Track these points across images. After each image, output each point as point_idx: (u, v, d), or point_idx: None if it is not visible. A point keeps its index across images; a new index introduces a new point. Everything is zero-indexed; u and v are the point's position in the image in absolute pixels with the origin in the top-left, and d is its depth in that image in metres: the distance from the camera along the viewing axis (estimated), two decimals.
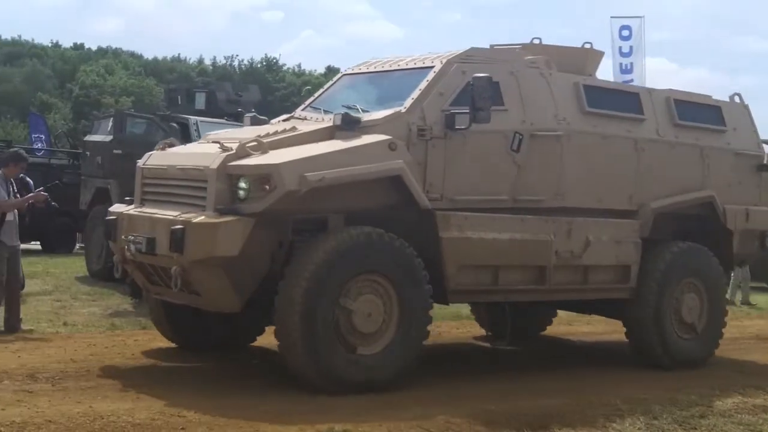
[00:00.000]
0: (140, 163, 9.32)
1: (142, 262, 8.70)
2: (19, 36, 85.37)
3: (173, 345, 9.92)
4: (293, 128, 8.91)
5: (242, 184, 8.06)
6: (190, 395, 7.83)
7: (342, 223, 8.51)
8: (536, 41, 10.50)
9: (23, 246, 11.46)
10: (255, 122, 9.79)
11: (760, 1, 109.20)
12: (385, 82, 9.90)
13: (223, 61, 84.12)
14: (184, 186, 8.55)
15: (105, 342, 10.22)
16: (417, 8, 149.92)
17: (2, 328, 10.78)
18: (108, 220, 9.22)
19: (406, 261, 8.42)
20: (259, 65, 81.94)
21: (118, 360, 9.37)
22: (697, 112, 11.05)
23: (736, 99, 11.70)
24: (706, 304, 10.78)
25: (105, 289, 14.62)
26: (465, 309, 13.05)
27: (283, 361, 8.26)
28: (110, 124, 18.22)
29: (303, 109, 10.13)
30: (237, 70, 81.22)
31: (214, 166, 8.15)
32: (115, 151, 16.47)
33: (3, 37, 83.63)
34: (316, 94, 10.42)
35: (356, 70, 10.42)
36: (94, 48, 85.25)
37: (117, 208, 9.36)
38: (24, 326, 10.90)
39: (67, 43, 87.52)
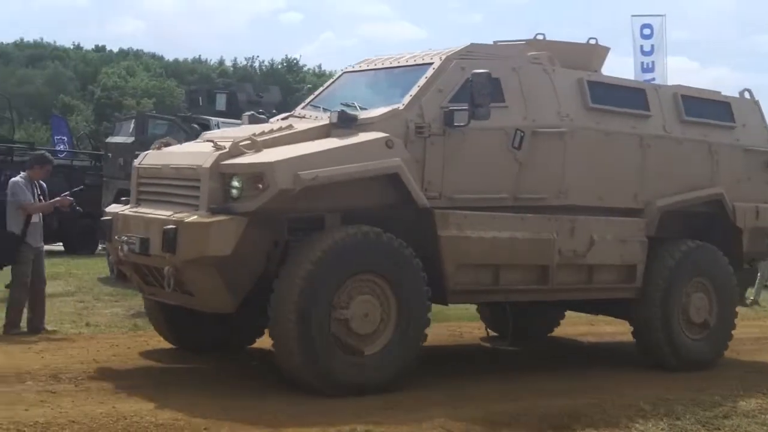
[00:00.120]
0: (136, 162, 9.25)
1: (137, 262, 8.61)
2: (41, 38, 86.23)
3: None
4: (289, 126, 8.81)
5: (235, 183, 7.95)
6: (213, 396, 7.82)
7: (339, 222, 8.38)
8: (540, 37, 10.33)
9: (46, 247, 11.53)
10: (253, 121, 9.66)
11: None
12: (385, 79, 9.76)
13: (244, 63, 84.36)
14: (178, 185, 8.46)
15: (127, 342, 10.20)
16: (436, 9, 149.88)
17: (26, 329, 10.80)
18: (103, 220, 9.15)
19: (403, 261, 8.28)
20: (279, 66, 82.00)
21: (140, 360, 9.35)
22: (705, 108, 10.84)
23: (746, 95, 11.48)
24: (715, 303, 10.56)
25: (127, 289, 14.50)
26: None
27: (277, 361, 8.15)
28: (132, 125, 18.29)
29: (303, 108, 10.03)
30: (258, 71, 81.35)
31: (207, 165, 8.04)
32: (136, 153, 16.43)
33: (25, 40, 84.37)
34: (316, 93, 10.31)
35: (356, 68, 10.29)
36: (115, 50, 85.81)
37: (112, 208, 9.29)
38: (47, 327, 10.94)
39: (88, 45, 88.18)
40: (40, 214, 11.01)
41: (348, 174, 8.10)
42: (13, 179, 11.07)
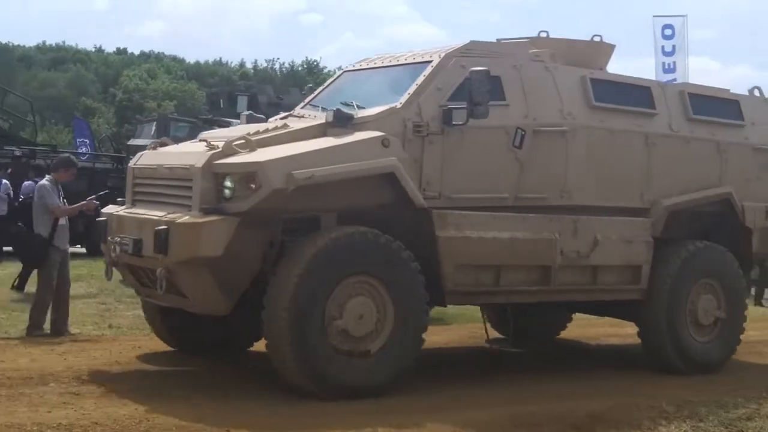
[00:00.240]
0: (131, 163, 9.17)
1: (131, 263, 8.52)
2: (63, 42, 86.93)
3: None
4: (284, 126, 8.69)
5: (228, 183, 7.84)
6: (234, 397, 7.81)
7: (334, 222, 8.25)
8: (543, 34, 10.16)
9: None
10: (251, 120, 9.57)
11: None
12: (385, 78, 9.62)
13: (265, 65, 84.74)
14: (171, 186, 8.37)
15: (149, 344, 10.13)
16: (456, 9, 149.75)
17: (48, 331, 10.81)
18: (98, 221, 9.07)
19: (400, 262, 8.14)
20: (300, 68, 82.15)
21: (163, 362, 9.31)
22: (713, 106, 10.64)
23: (756, 92, 11.27)
24: (724, 305, 10.35)
25: None
26: None
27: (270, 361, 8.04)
28: (153, 128, 18.38)
29: (302, 107, 9.91)
30: (278, 73, 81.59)
31: (199, 164, 7.94)
32: None
33: (47, 43, 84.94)
34: (317, 92, 10.20)
35: (357, 67, 10.17)
36: (136, 52, 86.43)
37: (109, 209, 9.20)
38: (70, 329, 10.96)
39: (110, 47, 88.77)
40: (67, 216, 11.05)
41: (343, 173, 7.97)
42: (41, 182, 11.13)
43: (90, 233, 20.34)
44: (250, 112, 9.91)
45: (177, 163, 8.37)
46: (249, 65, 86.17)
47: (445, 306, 9.28)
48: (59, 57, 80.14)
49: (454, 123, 8.53)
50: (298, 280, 7.65)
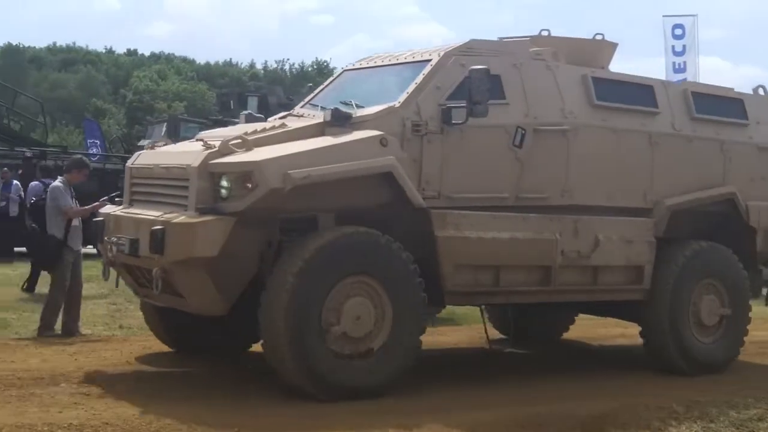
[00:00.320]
0: (129, 162, 9.13)
1: (128, 263, 8.48)
2: (74, 42, 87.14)
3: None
4: (282, 125, 8.64)
5: (224, 183, 7.78)
6: (247, 397, 7.78)
7: (332, 222, 8.19)
8: (545, 33, 10.09)
9: None
10: (250, 120, 9.50)
11: None
12: (384, 77, 9.58)
13: (275, 65, 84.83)
14: (168, 185, 8.32)
15: (160, 345, 10.07)
16: (467, 10, 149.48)
17: (59, 332, 10.82)
18: (95, 221, 9.04)
19: (398, 262, 8.07)
20: (310, 69, 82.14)
21: (174, 362, 9.29)
22: (717, 105, 10.55)
23: (761, 91, 11.16)
24: (728, 306, 10.25)
25: None
26: None
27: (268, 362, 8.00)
28: (164, 128, 18.39)
29: (302, 107, 9.86)
30: (288, 73, 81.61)
31: (196, 164, 7.89)
32: None
33: (58, 44, 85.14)
34: (316, 91, 10.14)
35: (357, 66, 10.11)
36: (146, 53, 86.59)
37: (106, 209, 9.17)
38: (81, 329, 10.99)
39: (120, 49, 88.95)
40: (80, 217, 11.09)
41: (340, 173, 7.91)
42: (53, 184, 11.15)
43: None
44: (249, 111, 9.86)
45: (173, 162, 8.32)
46: (259, 66, 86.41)
47: (444, 306, 9.21)
48: (70, 58, 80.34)
49: (453, 122, 8.47)
50: (295, 280, 7.59)
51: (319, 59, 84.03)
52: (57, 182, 11.11)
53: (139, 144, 19.87)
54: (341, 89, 9.79)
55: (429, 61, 8.95)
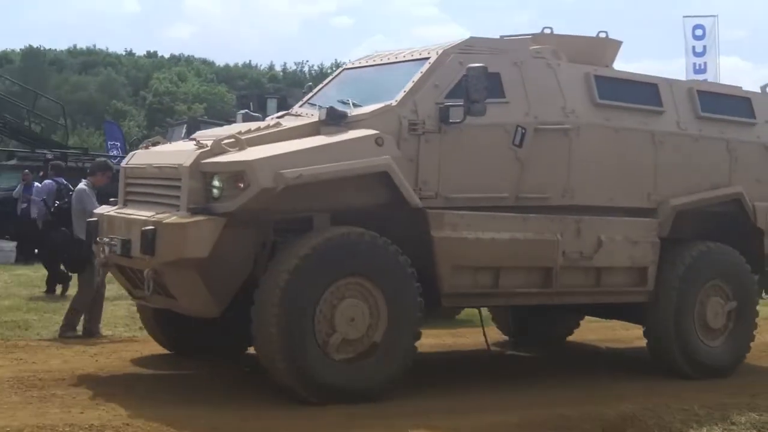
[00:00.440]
0: (123, 162, 9.06)
1: (120, 264, 8.40)
2: (94, 45, 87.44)
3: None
4: (277, 124, 8.53)
5: (216, 183, 7.69)
6: (268, 400, 7.72)
7: (328, 222, 8.07)
8: (547, 31, 9.94)
9: None
10: (247, 119, 9.42)
11: None
12: (383, 75, 9.44)
13: (294, 67, 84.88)
14: (160, 185, 8.24)
15: None
16: (486, 11, 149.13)
17: (80, 333, 10.86)
18: (89, 221, 8.97)
19: (394, 263, 7.94)
20: (329, 70, 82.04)
21: (194, 364, 9.23)
22: (723, 104, 10.38)
23: None
24: (734, 308, 10.06)
25: None
26: None
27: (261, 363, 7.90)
28: (183, 130, 18.31)
29: (300, 106, 9.75)
30: (307, 75, 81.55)
31: (187, 163, 7.79)
32: None
33: (78, 47, 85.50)
34: (315, 90, 10.03)
35: (356, 64, 10.00)
36: (166, 56, 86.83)
37: (101, 209, 9.10)
38: (102, 331, 11.05)
39: (140, 51, 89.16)
40: None
41: (334, 172, 7.79)
42: (79, 187, 11.18)
43: None
44: (246, 111, 9.77)
45: (166, 162, 8.23)
46: (278, 68, 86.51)
47: (441, 307, 9.08)
48: (90, 61, 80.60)
49: (451, 121, 8.34)
50: (287, 281, 7.47)
51: (338, 61, 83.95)
52: (82, 185, 11.13)
53: None
54: (340, 88, 9.67)
55: (427, 59, 8.83)
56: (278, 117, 9.44)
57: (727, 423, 7.62)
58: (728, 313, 10.02)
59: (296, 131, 8.29)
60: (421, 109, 8.39)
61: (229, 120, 18.45)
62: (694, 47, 28.06)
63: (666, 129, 9.80)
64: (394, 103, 8.39)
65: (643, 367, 10.22)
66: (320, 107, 8.91)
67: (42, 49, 79.40)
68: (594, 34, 10.23)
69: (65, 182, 14.10)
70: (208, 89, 72.01)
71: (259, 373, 7.95)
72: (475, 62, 8.35)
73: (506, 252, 8.65)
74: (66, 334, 10.68)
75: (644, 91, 9.86)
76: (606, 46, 10.24)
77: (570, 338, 12.18)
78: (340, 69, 10.35)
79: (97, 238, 8.61)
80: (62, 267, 13.53)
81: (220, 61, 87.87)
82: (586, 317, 11.89)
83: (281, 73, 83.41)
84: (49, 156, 21.60)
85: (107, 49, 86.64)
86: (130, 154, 9.14)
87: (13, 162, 24.44)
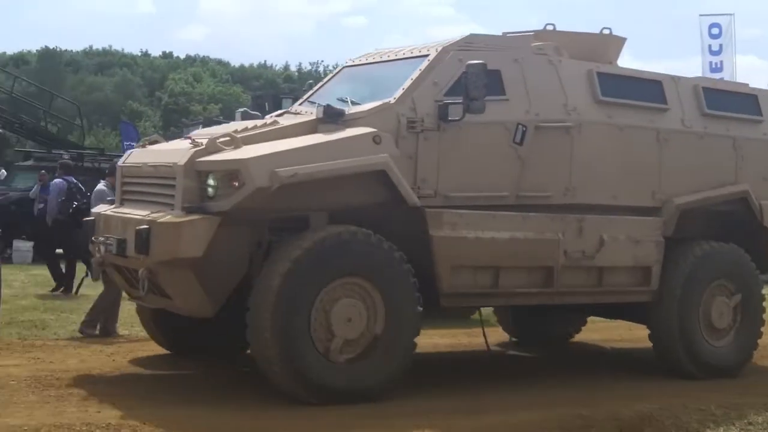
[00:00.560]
0: (120, 161, 9.01)
1: (116, 264, 8.35)
2: (110, 46, 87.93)
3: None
4: (273, 122, 8.45)
5: (210, 181, 7.61)
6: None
7: (325, 221, 7.98)
8: (550, 27, 9.84)
9: None
10: (246, 118, 9.34)
11: None
12: (383, 73, 9.36)
13: (309, 67, 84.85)
14: (156, 184, 8.17)
15: None
16: (502, 10, 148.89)
17: (97, 332, 10.90)
18: (86, 221, 8.93)
19: (392, 263, 7.85)
20: None
21: (210, 363, 9.20)
22: (729, 101, 10.24)
23: None
24: (740, 308, 9.93)
25: None
26: None
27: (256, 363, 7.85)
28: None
29: (300, 104, 9.68)
30: (322, 75, 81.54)
31: (182, 162, 7.72)
32: None
33: (94, 48, 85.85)
34: (315, 88, 9.96)
35: (356, 62, 9.92)
36: (182, 56, 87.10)
37: (98, 208, 9.06)
38: (118, 330, 11.08)
39: (156, 51, 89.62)
40: None
41: (330, 171, 7.70)
42: (98, 187, 11.26)
43: None
44: (245, 109, 9.69)
45: (161, 161, 8.17)
46: (293, 68, 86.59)
47: (441, 307, 8.98)
48: (106, 61, 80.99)
49: (450, 119, 8.24)
50: (282, 280, 7.40)
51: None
52: (101, 185, 11.19)
53: None
54: (339, 86, 9.61)
55: (427, 56, 8.74)
56: (276, 115, 9.35)
57: (744, 423, 7.59)
58: (733, 309, 9.89)
59: (293, 129, 8.21)
60: (419, 107, 8.29)
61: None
62: (710, 46, 28.03)
63: (670, 126, 9.67)
64: (392, 100, 8.30)
65: (645, 367, 10.13)
66: (318, 105, 8.87)
67: (58, 50, 79.79)
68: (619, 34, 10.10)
69: (75, 181, 14.10)
70: (223, 90, 72.19)
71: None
72: (474, 59, 8.24)
73: (506, 251, 8.55)
74: (85, 331, 10.74)
75: (648, 88, 9.72)
76: (609, 43, 10.12)
77: (575, 338, 12.07)
78: (341, 67, 10.27)
79: (94, 238, 8.55)
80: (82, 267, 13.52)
81: (235, 62, 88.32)
82: (591, 317, 11.76)
83: (296, 74, 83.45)
84: (66, 156, 21.63)
85: (123, 50, 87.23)
86: (127, 152, 9.09)
87: (29, 162, 24.48)
